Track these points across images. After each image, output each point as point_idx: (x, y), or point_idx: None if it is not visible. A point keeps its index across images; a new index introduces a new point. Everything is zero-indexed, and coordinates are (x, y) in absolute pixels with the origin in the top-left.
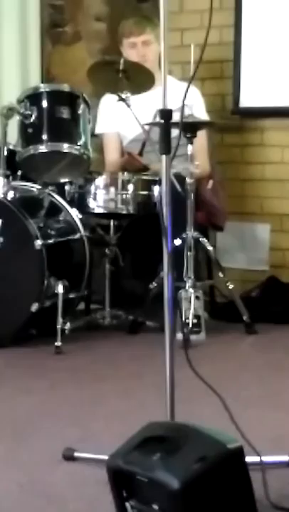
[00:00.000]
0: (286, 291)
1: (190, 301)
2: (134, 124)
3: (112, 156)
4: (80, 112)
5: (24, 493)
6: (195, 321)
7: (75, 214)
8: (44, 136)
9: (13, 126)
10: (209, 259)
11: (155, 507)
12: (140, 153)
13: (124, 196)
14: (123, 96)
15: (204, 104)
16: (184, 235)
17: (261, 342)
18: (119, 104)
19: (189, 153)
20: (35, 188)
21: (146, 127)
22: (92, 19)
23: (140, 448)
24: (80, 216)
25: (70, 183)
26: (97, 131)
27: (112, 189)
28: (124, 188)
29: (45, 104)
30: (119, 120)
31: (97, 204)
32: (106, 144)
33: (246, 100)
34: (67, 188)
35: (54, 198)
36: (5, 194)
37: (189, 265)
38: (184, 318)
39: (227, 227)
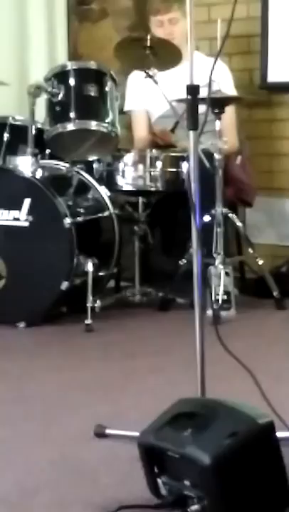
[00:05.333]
0: None
1: (220, 278)
2: (162, 100)
3: (141, 133)
4: (107, 89)
5: (56, 470)
6: (225, 297)
7: (103, 192)
8: (72, 114)
9: (41, 104)
10: (238, 235)
11: (186, 483)
12: (172, 130)
13: (152, 173)
14: (150, 73)
15: (232, 80)
16: (212, 211)
17: None
18: (147, 80)
19: (217, 129)
20: (63, 166)
21: (176, 104)
22: None
23: (171, 424)
24: (109, 194)
25: (99, 160)
26: (126, 108)
27: (141, 166)
28: (152, 165)
29: (72, 82)
30: (147, 97)
31: (125, 181)
32: (134, 121)
33: (274, 75)
34: (95, 165)
35: (82, 176)
36: (33, 173)
37: (219, 241)
38: (213, 295)
39: (256, 202)
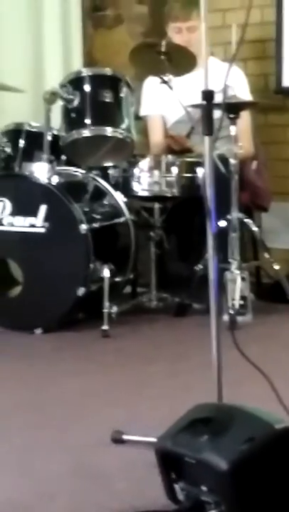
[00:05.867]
0: None
1: (236, 283)
2: (178, 106)
3: (157, 137)
4: (122, 95)
5: (73, 475)
6: (241, 302)
7: (119, 198)
8: (87, 121)
9: (57, 111)
10: (254, 240)
11: (204, 488)
12: (188, 136)
13: (168, 179)
14: (165, 78)
15: (247, 85)
16: (228, 217)
17: None
18: (162, 86)
19: (233, 134)
20: (79, 172)
21: (191, 110)
22: (134, 2)
23: (188, 430)
24: (125, 200)
25: (114, 166)
26: (142, 113)
27: (156, 172)
28: (168, 170)
29: (87, 88)
30: (162, 102)
31: (141, 187)
32: (150, 126)
33: None
34: (111, 171)
35: (98, 182)
36: (49, 179)
37: (234, 246)
38: (230, 300)
39: (272, 207)
